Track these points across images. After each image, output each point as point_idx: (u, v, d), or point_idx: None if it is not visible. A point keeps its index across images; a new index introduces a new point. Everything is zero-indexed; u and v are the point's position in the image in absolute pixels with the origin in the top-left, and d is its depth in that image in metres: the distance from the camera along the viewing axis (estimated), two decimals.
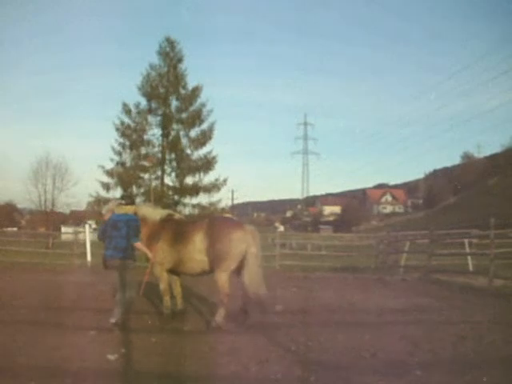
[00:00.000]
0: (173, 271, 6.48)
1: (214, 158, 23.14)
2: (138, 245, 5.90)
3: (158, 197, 20.30)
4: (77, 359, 4.52)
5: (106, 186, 22.51)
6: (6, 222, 47.06)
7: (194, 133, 23.25)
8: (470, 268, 13.24)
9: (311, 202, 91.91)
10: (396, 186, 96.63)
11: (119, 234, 5.78)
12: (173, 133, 23.26)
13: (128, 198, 6.36)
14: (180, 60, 23.61)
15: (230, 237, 5.95)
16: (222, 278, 5.90)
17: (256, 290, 5.91)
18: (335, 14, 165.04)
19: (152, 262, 6.20)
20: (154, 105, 23.30)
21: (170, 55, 23.49)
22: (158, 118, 23.36)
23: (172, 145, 23.00)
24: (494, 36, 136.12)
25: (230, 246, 5.93)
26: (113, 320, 5.66)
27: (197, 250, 6.03)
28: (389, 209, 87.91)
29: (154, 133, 23.40)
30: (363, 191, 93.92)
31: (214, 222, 6.35)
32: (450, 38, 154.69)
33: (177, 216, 7.14)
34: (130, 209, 6.11)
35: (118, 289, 5.92)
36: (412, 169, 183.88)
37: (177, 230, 6.36)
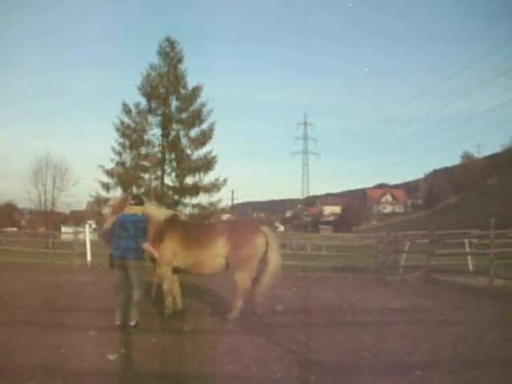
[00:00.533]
0: (180, 271, 6.51)
1: (213, 158, 23.19)
2: (146, 246, 5.89)
3: (158, 197, 20.33)
4: (77, 359, 4.51)
5: (106, 186, 22.57)
6: (6, 222, 47.00)
7: (193, 133, 23.32)
8: (470, 268, 13.22)
9: (311, 201, 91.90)
10: (396, 186, 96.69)
11: (127, 234, 5.76)
12: (173, 133, 23.29)
13: (137, 199, 6.31)
14: (180, 60, 23.65)
15: (254, 242, 6.31)
16: (246, 278, 6.22)
17: (268, 289, 6.25)
18: (335, 14, 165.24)
19: (159, 263, 6.20)
20: (153, 105, 23.35)
21: (170, 55, 23.53)
22: (158, 118, 23.40)
23: (172, 145, 23.03)
24: (494, 36, 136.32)
25: (255, 250, 6.27)
26: (132, 323, 5.63)
27: (217, 254, 6.27)
28: (389, 209, 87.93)
29: (154, 133, 23.47)
30: (363, 191, 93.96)
31: (235, 227, 6.69)
32: (450, 38, 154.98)
33: (182, 217, 7.13)
34: (139, 209, 6.09)
35: (121, 289, 5.90)
36: (412, 169, 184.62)
37: (190, 233, 6.49)
